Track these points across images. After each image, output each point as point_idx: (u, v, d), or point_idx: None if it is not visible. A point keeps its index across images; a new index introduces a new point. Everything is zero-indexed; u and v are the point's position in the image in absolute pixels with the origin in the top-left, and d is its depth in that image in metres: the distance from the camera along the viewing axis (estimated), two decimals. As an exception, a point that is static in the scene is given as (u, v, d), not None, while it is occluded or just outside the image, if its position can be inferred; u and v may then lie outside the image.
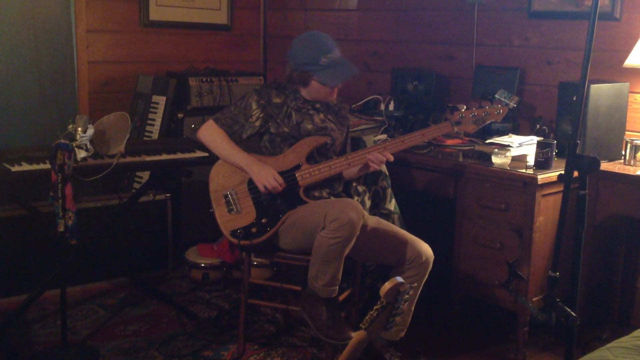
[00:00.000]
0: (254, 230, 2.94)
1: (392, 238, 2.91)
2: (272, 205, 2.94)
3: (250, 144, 3.14)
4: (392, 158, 2.95)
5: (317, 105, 3.09)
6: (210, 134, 3.07)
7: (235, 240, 2.93)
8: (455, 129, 2.98)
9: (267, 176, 2.91)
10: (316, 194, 2.99)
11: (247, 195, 2.97)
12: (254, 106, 3.02)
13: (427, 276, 2.88)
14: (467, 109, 2.96)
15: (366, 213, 3.07)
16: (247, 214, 2.96)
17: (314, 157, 3.02)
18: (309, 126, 3.03)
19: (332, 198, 2.99)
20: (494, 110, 2.97)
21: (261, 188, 2.92)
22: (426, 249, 2.88)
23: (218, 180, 3.04)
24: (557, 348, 3.27)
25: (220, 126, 3.05)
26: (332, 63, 2.97)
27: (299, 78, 3.02)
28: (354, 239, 2.70)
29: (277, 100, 3.04)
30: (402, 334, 2.89)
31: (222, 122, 3.05)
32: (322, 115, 3.08)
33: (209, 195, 3.04)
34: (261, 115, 3.02)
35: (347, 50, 4.62)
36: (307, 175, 2.94)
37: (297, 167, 2.96)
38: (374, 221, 2.99)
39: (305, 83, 3.02)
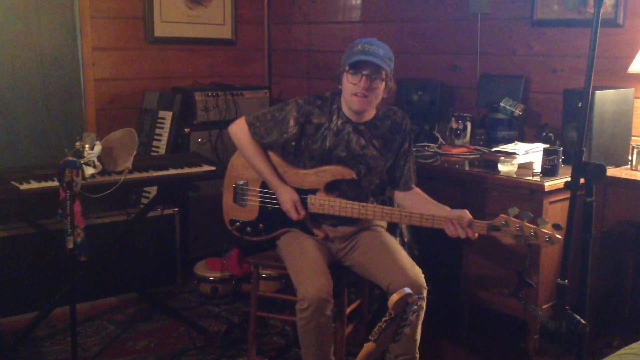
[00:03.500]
0: (248, 229, 2.96)
1: (383, 262, 2.77)
2: (274, 216, 2.93)
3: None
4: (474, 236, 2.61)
5: (361, 127, 2.84)
6: (240, 138, 2.92)
7: (230, 228, 2.99)
8: (490, 234, 2.58)
9: (290, 205, 2.81)
10: (321, 219, 2.90)
11: (257, 195, 2.96)
12: (292, 122, 2.84)
13: (423, 308, 2.73)
14: (515, 217, 2.51)
15: (377, 222, 3.03)
16: (250, 212, 2.97)
17: (338, 187, 2.85)
18: (343, 154, 2.83)
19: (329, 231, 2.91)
20: (544, 235, 2.47)
21: (285, 209, 2.86)
22: (416, 279, 2.67)
23: (237, 165, 3.00)
24: (567, 356, 3.25)
25: (252, 135, 2.88)
26: (362, 48, 2.71)
27: (337, 77, 2.81)
28: (325, 317, 2.60)
29: (317, 121, 2.85)
30: None
31: (254, 130, 2.88)
32: (363, 141, 2.83)
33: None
34: (297, 131, 2.87)
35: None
36: (317, 204, 2.83)
37: (313, 192, 2.85)
38: (372, 237, 2.90)
39: (339, 80, 2.79)
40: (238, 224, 2.97)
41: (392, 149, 2.89)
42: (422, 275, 2.73)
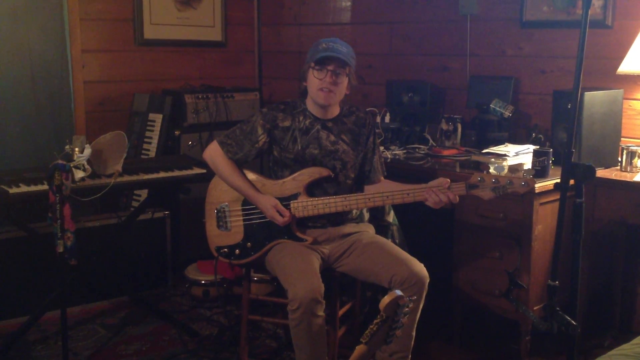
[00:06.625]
0: (237, 252, 2.95)
1: (383, 257, 2.80)
2: (260, 232, 2.92)
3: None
4: (455, 199, 2.70)
5: (329, 124, 2.94)
6: (214, 161, 2.97)
7: (217, 255, 2.97)
8: (470, 193, 2.69)
9: (273, 210, 2.84)
10: (309, 223, 2.93)
11: (239, 215, 2.96)
12: (260, 131, 2.92)
13: (423, 299, 2.77)
14: (488, 173, 2.70)
15: (365, 229, 3.04)
16: (235, 234, 2.96)
17: (317, 187, 2.92)
18: (315, 151, 2.91)
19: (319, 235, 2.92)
20: (519, 181, 2.62)
21: (269, 217, 2.88)
22: (419, 269, 2.73)
23: (215, 192, 3.03)
24: (559, 356, 3.27)
25: (226, 152, 2.93)
26: (326, 46, 2.82)
27: (302, 75, 2.91)
28: (317, 318, 2.62)
29: (284, 124, 2.93)
30: None
31: (227, 149, 2.94)
32: (332, 137, 2.93)
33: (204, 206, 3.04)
34: (267, 139, 2.93)
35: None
36: (301, 208, 2.86)
37: (294, 197, 2.88)
38: (367, 238, 2.93)
39: (305, 77, 2.90)
40: (225, 249, 2.96)
41: (360, 142, 2.99)
42: (424, 266, 2.76)
